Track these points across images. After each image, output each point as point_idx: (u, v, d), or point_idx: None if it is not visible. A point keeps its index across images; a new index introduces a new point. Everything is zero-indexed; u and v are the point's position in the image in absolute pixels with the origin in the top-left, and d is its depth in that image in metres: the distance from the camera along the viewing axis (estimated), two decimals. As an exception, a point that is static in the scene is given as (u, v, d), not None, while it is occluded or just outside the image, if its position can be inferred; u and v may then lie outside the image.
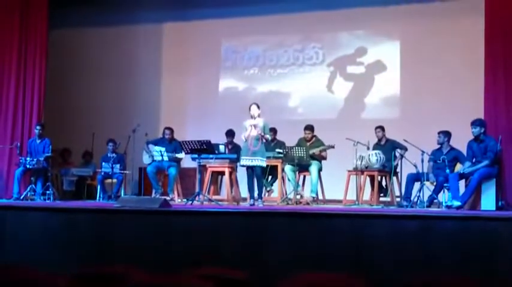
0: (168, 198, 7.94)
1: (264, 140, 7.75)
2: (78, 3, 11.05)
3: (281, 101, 10.86)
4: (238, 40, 11.20)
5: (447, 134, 8.07)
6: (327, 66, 10.61)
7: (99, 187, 9.32)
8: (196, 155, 8.10)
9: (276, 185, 8.77)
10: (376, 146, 8.62)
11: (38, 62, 9.67)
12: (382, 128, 8.72)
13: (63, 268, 5.40)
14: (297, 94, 10.79)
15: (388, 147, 8.51)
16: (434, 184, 7.81)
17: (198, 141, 7.94)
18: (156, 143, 9.04)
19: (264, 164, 7.77)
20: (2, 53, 9.58)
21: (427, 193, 7.84)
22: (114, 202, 8.00)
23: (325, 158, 8.79)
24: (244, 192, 8.48)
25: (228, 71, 11.21)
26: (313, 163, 8.56)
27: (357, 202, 8.09)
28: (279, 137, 9.27)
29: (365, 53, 10.40)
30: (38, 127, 9.12)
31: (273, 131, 9.23)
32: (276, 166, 8.55)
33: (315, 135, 8.89)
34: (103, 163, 9.29)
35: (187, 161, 9.15)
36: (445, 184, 7.65)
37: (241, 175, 8.48)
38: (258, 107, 7.80)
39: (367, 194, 8.44)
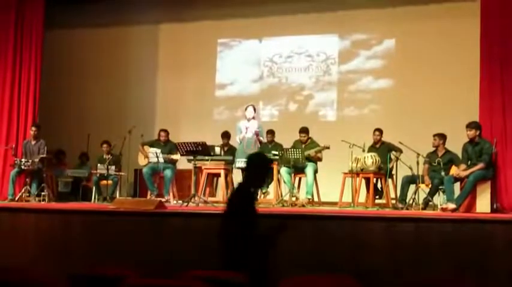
0: (163, 200, 7.93)
1: (259, 142, 7.76)
2: (74, 3, 11.03)
3: (277, 103, 10.86)
4: (234, 41, 11.20)
5: (442, 137, 8.09)
6: (323, 68, 10.62)
7: (94, 189, 9.30)
8: (191, 157, 8.10)
9: (272, 187, 8.76)
10: (372, 149, 8.62)
11: (33, 62, 9.66)
12: (380, 131, 8.72)
13: (58, 270, 5.38)
14: (292, 95, 10.79)
15: (384, 149, 8.51)
16: (430, 186, 7.83)
17: (193, 142, 7.93)
18: (151, 144, 9.03)
19: (260, 166, 7.76)
20: (-2, 54, 9.58)
21: (422, 195, 7.86)
22: (110, 203, 8.00)
23: (320, 159, 8.79)
24: (239, 194, 8.45)
25: (223, 72, 11.20)
26: (309, 165, 8.57)
27: (352, 204, 8.09)
28: (275, 139, 9.27)
29: (361, 55, 10.41)
30: (33, 128, 9.10)
31: (271, 133, 9.24)
32: (272, 168, 8.54)
33: (310, 137, 8.90)
34: (98, 164, 9.27)
35: (183, 162, 9.14)
36: (440, 187, 7.67)
37: (237, 177, 8.47)
38: (254, 109, 7.80)
39: (362, 197, 8.44)
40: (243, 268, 3.81)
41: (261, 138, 7.77)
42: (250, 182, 4.26)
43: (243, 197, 4.16)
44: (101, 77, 11.45)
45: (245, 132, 7.64)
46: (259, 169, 4.29)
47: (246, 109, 7.79)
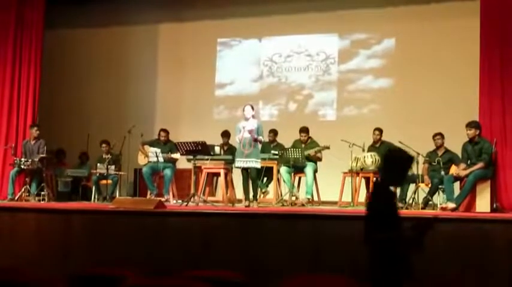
0: (163, 199, 7.93)
1: (258, 142, 7.77)
2: (73, 4, 11.03)
3: (277, 102, 10.86)
4: (234, 41, 11.20)
5: (443, 136, 8.10)
6: (322, 67, 10.62)
7: (94, 188, 9.29)
8: (191, 156, 8.10)
9: (272, 187, 8.76)
10: (371, 148, 8.62)
11: (33, 62, 9.65)
12: (380, 130, 8.72)
13: (58, 270, 5.39)
14: (292, 95, 10.79)
15: (383, 149, 8.50)
16: (429, 185, 7.83)
17: (193, 142, 7.93)
18: (151, 144, 9.02)
19: (259, 166, 7.77)
20: (-3, 53, 9.57)
21: (422, 194, 7.86)
22: (109, 203, 8.00)
23: (320, 159, 8.80)
24: (239, 193, 8.48)
25: (223, 71, 11.20)
26: (309, 165, 8.57)
27: (352, 204, 8.09)
28: (277, 138, 9.27)
29: (360, 55, 10.41)
30: (35, 128, 9.08)
31: (274, 132, 9.24)
32: (272, 168, 8.55)
33: (310, 137, 8.91)
34: (98, 164, 9.27)
35: (183, 162, 9.15)
36: (440, 186, 7.68)
37: (237, 176, 8.48)
38: (252, 108, 7.81)
39: (362, 196, 8.44)
40: (390, 272, 3.61)
41: (260, 137, 7.75)
42: (389, 180, 3.91)
43: (382, 198, 3.83)
44: (101, 76, 11.45)
45: (243, 132, 7.65)
46: (399, 166, 3.91)
47: (243, 109, 7.80)
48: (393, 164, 3.87)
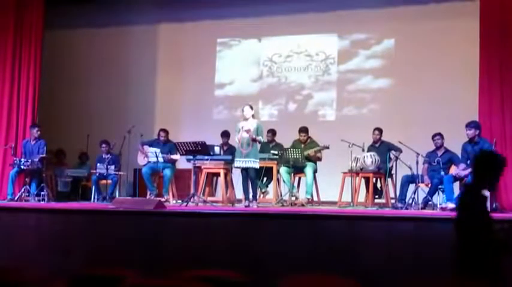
0: (163, 199, 7.93)
1: (258, 142, 7.78)
2: (73, 4, 11.03)
3: (276, 102, 10.86)
4: (234, 41, 11.20)
5: (443, 136, 8.11)
6: (322, 67, 10.63)
7: (93, 188, 9.29)
8: (191, 157, 8.10)
9: (271, 187, 8.77)
10: (371, 148, 8.62)
11: (33, 62, 9.65)
12: (380, 130, 8.72)
13: (58, 270, 5.38)
14: (292, 95, 10.80)
15: (383, 149, 8.52)
16: (429, 185, 7.84)
17: (193, 142, 7.94)
18: (151, 144, 9.02)
19: (257, 166, 7.78)
20: (-3, 53, 9.58)
21: (421, 194, 7.86)
22: (109, 203, 8.00)
23: (320, 159, 8.81)
24: (239, 193, 8.48)
25: (223, 71, 11.20)
26: (308, 165, 8.57)
27: (351, 204, 8.10)
28: (276, 138, 9.28)
29: (360, 55, 10.41)
30: (35, 129, 9.07)
31: (272, 132, 9.24)
32: (271, 168, 8.55)
33: (309, 137, 8.91)
34: (98, 164, 9.27)
35: (183, 162, 9.15)
36: (440, 186, 7.68)
37: (237, 176, 8.48)
38: (251, 108, 7.82)
39: (362, 196, 8.45)
40: (479, 275, 3.52)
41: (260, 137, 7.76)
42: (481, 183, 3.81)
43: (474, 201, 3.74)
44: (101, 77, 11.44)
45: (241, 132, 7.67)
46: (492, 169, 3.81)
47: (243, 109, 7.82)
48: (486, 168, 3.79)
